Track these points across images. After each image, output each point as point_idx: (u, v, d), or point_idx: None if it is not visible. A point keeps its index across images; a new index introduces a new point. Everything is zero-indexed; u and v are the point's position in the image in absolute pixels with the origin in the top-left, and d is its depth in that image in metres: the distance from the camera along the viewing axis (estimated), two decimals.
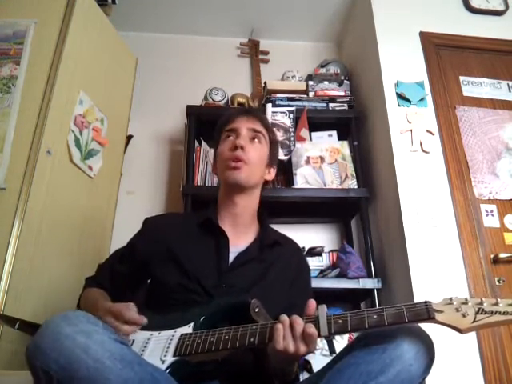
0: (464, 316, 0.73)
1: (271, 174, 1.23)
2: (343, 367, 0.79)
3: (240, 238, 1.14)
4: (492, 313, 0.72)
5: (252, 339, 0.81)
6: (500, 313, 0.71)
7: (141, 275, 1.14)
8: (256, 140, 1.17)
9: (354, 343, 0.84)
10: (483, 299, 0.75)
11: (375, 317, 0.77)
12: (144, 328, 0.92)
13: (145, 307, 1.06)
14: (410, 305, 0.78)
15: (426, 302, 0.77)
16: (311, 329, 0.78)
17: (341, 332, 0.78)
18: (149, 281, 1.16)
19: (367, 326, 0.77)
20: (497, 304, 0.73)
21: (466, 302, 0.76)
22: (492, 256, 1.70)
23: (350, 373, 0.77)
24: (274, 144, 1.24)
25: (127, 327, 0.90)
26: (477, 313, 0.73)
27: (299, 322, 0.80)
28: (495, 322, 0.72)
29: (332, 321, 0.79)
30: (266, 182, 1.23)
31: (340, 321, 0.79)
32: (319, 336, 0.79)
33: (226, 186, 1.17)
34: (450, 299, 0.78)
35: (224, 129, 1.20)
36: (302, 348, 0.79)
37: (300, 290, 1.10)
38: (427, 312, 0.75)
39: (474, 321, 0.72)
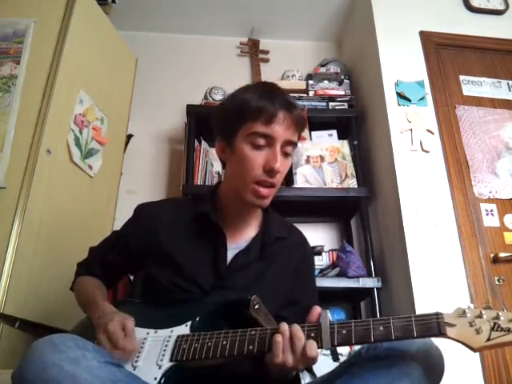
0: (478, 333, 0.67)
1: None
2: (351, 379, 0.77)
3: (241, 232, 1.04)
4: (509, 330, 0.65)
5: (251, 347, 0.78)
6: None
7: (133, 266, 1.15)
8: (288, 155, 0.99)
9: (361, 351, 0.81)
10: (500, 313, 0.68)
11: (381, 329, 0.72)
12: (141, 325, 0.89)
13: (143, 299, 1.04)
14: (420, 317, 0.72)
15: (437, 315, 0.71)
16: (313, 351, 0.74)
17: (344, 344, 0.74)
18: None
19: (373, 340, 0.72)
20: None
21: (480, 315, 0.69)
22: (492, 255, 1.70)
23: None
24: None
25: (120, 353, 0.82)
26: (492, 329, 0.66)
27: (300, 335, 0.75)
28: (511, 341, 0.65)
29: (335, 330, 0.75)
30: None
31: (344, 331, 0.74)
32: (321, 348, 0.75)
33: (241, 200, 0.99)
34: (464, 311, 0.71)
35: (256, 127, 0.94)
36: (301, 365, 0.76)
37: (303, 285, 1.07)
38: (438, 327, 0.69)
39: (488, 339, 0.66)
